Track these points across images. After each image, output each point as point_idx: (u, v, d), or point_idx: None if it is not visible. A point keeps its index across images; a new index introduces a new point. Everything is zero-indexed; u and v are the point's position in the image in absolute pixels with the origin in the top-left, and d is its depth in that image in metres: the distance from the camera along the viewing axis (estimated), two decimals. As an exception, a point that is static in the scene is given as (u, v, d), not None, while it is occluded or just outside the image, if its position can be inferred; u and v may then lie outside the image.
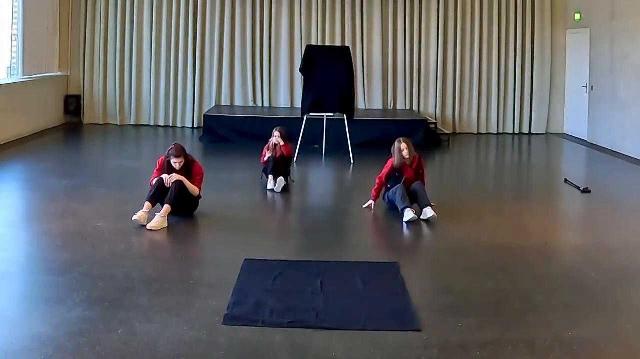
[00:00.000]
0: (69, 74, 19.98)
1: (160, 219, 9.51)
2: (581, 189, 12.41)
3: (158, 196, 9.81)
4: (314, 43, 19.44)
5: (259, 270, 7.84)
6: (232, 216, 10.54)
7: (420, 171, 11.01)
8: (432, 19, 20.07)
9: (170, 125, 19.87)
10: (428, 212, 10.13)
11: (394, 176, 10.80)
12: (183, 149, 10.13)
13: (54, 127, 18.84)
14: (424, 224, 10.35)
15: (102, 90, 19.89)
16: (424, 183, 10.84)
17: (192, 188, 10.04)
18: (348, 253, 8.85)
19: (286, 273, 7.78)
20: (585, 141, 18.55)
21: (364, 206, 10.83)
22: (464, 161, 17.05)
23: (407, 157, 10.82)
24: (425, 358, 5.83)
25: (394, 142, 16.91)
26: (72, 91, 19.98)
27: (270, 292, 7.16)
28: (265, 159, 12.43)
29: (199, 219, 10.29)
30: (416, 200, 10.45)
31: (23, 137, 16.58)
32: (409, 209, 10.10)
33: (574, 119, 19.62)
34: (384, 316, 6.66)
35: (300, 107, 16.31)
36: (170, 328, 6.23)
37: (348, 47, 16.66)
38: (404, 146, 10.87)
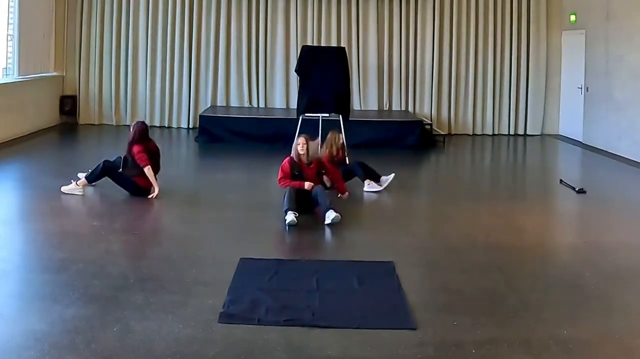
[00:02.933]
0: (64, 74, 19.95)
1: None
2: (576, 189, 12.43)
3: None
4: (309, 43, 19.42)
5: (254, 269, 7.85)
6: (227, 215, 10.55)
7: (323, 171, 10.93)
8: (428, 20, 20.08)
9: (166, 125, 19.86)
10: (331, 215, 9.86)
11: (294, 174, 10.59)
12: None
13: (49, 127, 18.81)
14: (418, 224, 10.41)
15: (97, 90, 19.88)
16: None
17: None
18: (343, 252, 8.89)
19: (282, 272, 7.79)
20: (581, 142, 18.56)
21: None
22: (460, 161, 17.07)
23: (302, 153, 10.66)
24: (421, 356, 5.84)
25: (389, 143, 17.07)
26: (68, 91, 19.96)
27: (266, 290, 7.17)
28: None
29: (195, 218, 10.33)
30: (316, 204, 10.25)
31: (19, 137, 16.54)
32: (290, 211, 9.83)
33: (569, 120, 19.65)
34: (379, 315, 6.67)
35: (295, 107, 16.32)
36: (165, 326, 6.24)
37: (343, 48, 16.67)
38: (301, 140, 10.75)
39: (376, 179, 12.25)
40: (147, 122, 19.22)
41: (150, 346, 5.82)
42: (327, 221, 9.84)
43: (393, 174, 12.33)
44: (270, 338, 6.06)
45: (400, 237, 9.56)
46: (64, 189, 11.18)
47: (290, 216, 9.76)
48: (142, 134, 11.33)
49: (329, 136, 12.19)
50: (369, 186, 12.14)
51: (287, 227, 9.66)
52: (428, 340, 6.12)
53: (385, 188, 12.16)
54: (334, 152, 11.95)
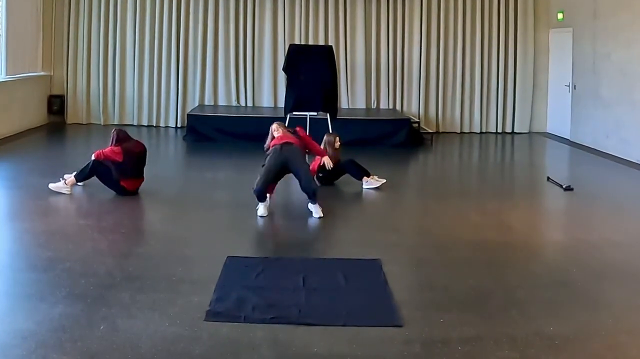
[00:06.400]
0: (52, 73, 19.91)
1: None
2: (563, 187, 12.47)
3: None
4: (297, 42, 19.45)
5: (241, 267, 7.86)
6: (215, 213, 10.56)
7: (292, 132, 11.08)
8: (415, 18, 20.10)
9: (154, 125, 19.83)
10: (315, 211, 10.32)
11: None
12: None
13: (37, 127, 18.77)
14: (405, 222, 10.44)
15: (85, 90, 19.84)
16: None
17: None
18: (330, 250, 8.90)
19: (268, 270, 7.79)
20: (568, 139, 18.63)
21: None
22: (447, 159, 17.07)
23: (277, 135, 10.94)
24: (407, 353, 5.85)
25: (377, 141, 17.06)
26: (56, 91, 19.92)
27: (253, 288, 7.17)
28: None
29: (182, 217, 10.32)
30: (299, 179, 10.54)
31: (6, 137, 16.51)
32: (261, 204, 10.25)
33: (557, 118, 19.71)
34: (365, 312, 6.68)
35: (283, 106, 16.33)
36: (152, 324, 6.24)
37: (331, 46, 16.69)
38: (274, 126, 11.10)
39: (367, 176, 12.30)
40: (135, 121, 19.53)
41: (137, 344, 5.82)
42: (315, 214, 10.21)
43: (384, 180, 12.36)
44: (256, 336, 6.07)
45: (387, 234, 9.57)
46: (51, 186, 11.18)
47: (261, 209, 10.11)
48: (120, 136, 11.41)
49: (326, 137, 12.29)
50: (367, 183, 12.20)
51: (267, 223, 9.74)
52: (414, 337, 6.14)
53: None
54: (331, 154, 12.09)
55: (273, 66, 19.98)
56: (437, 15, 20.08)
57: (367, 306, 6.84)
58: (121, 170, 11.13)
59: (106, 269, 7.69)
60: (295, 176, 10.46)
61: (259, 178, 10.20)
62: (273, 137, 10.83)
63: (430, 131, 19.17)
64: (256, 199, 10.22)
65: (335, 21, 20.06)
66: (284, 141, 10.51)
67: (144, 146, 11.61)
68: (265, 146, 10.96)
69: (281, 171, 10.43)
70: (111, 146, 11.24)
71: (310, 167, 11.41)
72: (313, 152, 11.52)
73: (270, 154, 10.43)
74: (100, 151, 11.24)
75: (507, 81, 20.29)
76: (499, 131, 20.34)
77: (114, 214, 10.30)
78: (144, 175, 11.53)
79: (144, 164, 11.48)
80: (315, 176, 11.69)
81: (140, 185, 11.40)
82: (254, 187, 10.13)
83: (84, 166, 11.28)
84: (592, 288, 7.60)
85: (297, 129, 11.11)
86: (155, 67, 19.82)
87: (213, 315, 6.46)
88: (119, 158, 11.09)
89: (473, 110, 20.28)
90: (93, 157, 11.24)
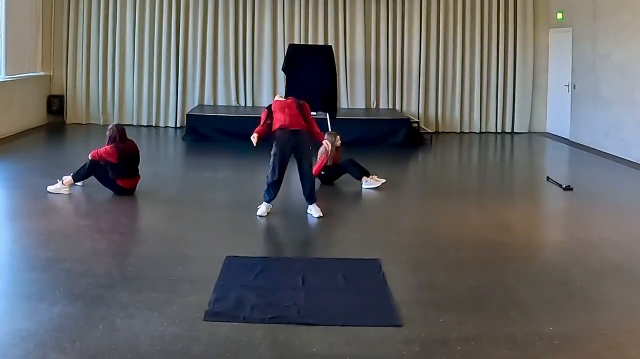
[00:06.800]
0: (51, 73, 19.90)
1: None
2: (563, 186, 12.46)
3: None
4: (296, 42, 19.43)
5: (240, 267, 7.85)
6: (214, 213, 10.56)
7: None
8: (415, 18, 20.09)
9: (153, 125, 19.81)
10: (314, 212, 10.35)
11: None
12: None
13: (36, 127, 18.74)
14: (405, 221, 10.42)
15: (84, 90, 19.83)
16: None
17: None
18: (329, 250, 8.89)
19: (267, 270, 7.79)
20: (568, 139, 18.62)
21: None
22: (447, 159, 17.07)
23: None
24: (406, 353, 5.84)
25: (376, 141, 17.05)
26: (55, 91, 19.90)
27: (252, 288, 7.17)
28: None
29: (181, 217, 10.30)
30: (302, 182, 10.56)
31: (5, 137, 16.48)
32: (265, 203, 10.30)
33: (557, 117, 19.70)
34: (364, 312, 6.68)
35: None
36: (151, 323, 6.23)
37: (330, 46, 16.72)
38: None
39: (367, 175, 12.30)
40: (135, 121, 19.49)
41: (136, 344, 5.81)
42: (315, 214, 10.21)
43: (384, 180, 12.36)
44: (255, 336, 6.07)
45: (387, 234, 9.56)
46: (50, 188, 11.18)
47: (261, 209, 10.17)
48: (119, 133, 11.40)
49: (326, 137, 12.28)
50: (366, 182, 12.21)
51: (267, 223, 9.74)
52: (414, 337, 6.13)
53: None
54: (331, 154, 12.19)
55: (272, 66, 19.95)
56: (437, 15, 20.07)
57: (366, 306, 6.84)
58: (116, 170, 11.13)
59: (105, 269, 7.68)
60: (298, 167, 10.40)
61: (271, 169, 10.20)
62: (273, 114, 10.65)
63: (430, 130, 19.16)
64: (261, 197, 10.30)
65: (335, 21, 20.04)
66: (292, 127, 10.38)
67: (136, 146, 11.61)
68: (263, 120, 10.74)
69: (290, 155, 10.35)
70: (108, 143, 11.24)
71: (314, 168, 11.39)
72: (313, 133, 11.28)
73: (278, 141, 10.28)
74: (96, 150, 11.25)
75: (506, 81, 20.28)
76: (499, 130, 20.32)
77: (113, 214, 10.30)
78: (140, 173, 11.53)
79: (138, 162, 11.49)
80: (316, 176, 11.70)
81: (137, 183, 11.40)
82: (269, 179, 10.17)
83: (81, 166, 11.29)
84: (592, 288, 7.60)
85: (303, 103, 10.81)
86: (154, 67, 19.80)
87: (212, 315, 6.46)
88: (114, 159, 11.09)
89: (473, 110, 20.27)
90: (90, 157, 11.25)
